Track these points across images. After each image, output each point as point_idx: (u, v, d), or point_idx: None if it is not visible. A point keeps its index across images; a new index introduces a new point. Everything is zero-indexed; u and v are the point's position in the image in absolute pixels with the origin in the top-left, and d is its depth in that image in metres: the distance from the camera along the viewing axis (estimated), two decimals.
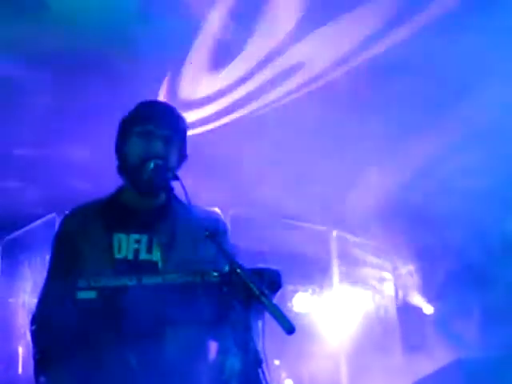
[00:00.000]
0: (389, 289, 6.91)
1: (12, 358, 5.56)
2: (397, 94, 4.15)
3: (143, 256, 2.03)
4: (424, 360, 5.28)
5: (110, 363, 1.82)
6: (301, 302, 6.59)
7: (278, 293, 1.85)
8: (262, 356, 1.74)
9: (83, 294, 1.80)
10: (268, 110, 4.43)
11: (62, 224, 2.16)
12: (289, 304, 6.45)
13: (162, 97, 4.08)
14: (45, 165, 5.16)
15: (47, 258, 2.16)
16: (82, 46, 3.71)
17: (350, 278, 6.64)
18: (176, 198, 2.09)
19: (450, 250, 5.61)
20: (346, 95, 4.28)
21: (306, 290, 6.67)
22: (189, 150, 2.20)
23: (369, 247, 6.67)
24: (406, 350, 6.30)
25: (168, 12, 3.50)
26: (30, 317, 2.06)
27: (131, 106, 2.19)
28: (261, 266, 1.83)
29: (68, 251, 2.06)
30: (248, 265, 1.75)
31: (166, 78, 4.04)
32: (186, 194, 1.93)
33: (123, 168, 2.14)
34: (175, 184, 2.03)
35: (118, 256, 2.01)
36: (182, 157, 2.18)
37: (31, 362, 1.99)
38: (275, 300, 1.72)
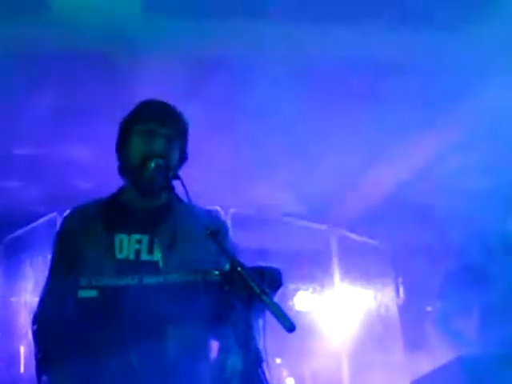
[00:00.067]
0: (390, 287, 6.91)
1: (14, 358, 5.57)
2: (397, 93, 4.14)
3: (144, 256, 2.03)
4: (425, 358, 5.28)
5: (112, 362, 1.83)
6: (302, 300, 6.60)
7: (279, 291, 1.85)
8: (262, 355, 1.74)
9: (84, 293, 1.81)
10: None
11: (63, 223, 2.17)
12: (290, 302, 6.46)
13: None
14: (46, 164, 5.16)
15: (49, 257, 2.17)
16: (83, 46, 3.71)
17: (351, 276, 6.64)
18: (177, 197, 2.09)
19: (450, 249, 5.61)
20: (347, 94, 4.28)
21: (307, 289, 6.67)
22: (189, 149, 2.21)
23: (369, 246, 6.67)
24: (407, 347, 6.30)
25: (169, 10, 3.51)
26: (31, 316, 2.06)
27: (132, 105, 2.19)
28: (261, 264, 1.83)
29: (69, 250, 2.06)
30: (249, 263, 1.76)
31: None
32: (186, 193, 1.93)
33: (124, 167, 2.15)
34: (176, 183, 2.03)
35: (119, 256, 2.02)
36: (183, 156, 2.18)
37: (33, 362, 2.00)
38: (276, 298, 1.73)
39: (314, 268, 6.64)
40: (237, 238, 2.28)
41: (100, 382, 1.85)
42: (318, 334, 6.23)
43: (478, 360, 4.43)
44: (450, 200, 5.03)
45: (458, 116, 4.38)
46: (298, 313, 6.38)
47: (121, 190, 2.18)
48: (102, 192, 2.22)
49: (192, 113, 2.28)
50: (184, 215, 2.04)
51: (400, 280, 6.84)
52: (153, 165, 2.01)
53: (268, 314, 1.66)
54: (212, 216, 2.18)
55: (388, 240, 6.52)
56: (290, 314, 1.60)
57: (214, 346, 1.98)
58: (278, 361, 6.07)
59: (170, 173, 2.02)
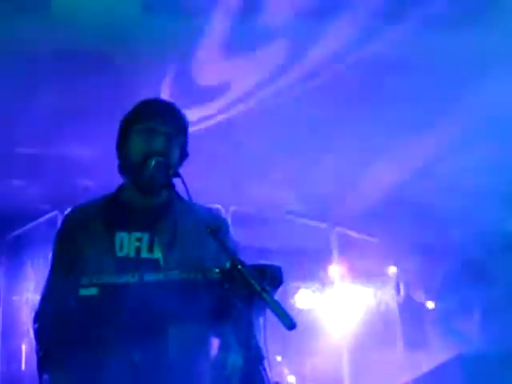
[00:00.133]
0: (390, 285, 6.92)
1: (15, 356, 5.59)
2: (397, 92, 4.14)
3: (145, 254, 2.03)
4: (425, 356, 5.30)
5: (113, 359, 1.83)
6: (303, 298, 6.61)
7: (280, 289, 1.86)
8: (263, 352, 1.75)
9: (85, 291, 1.82)
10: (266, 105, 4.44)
11: (63, 222, 2.17)
12: (291, 301, 6.47)
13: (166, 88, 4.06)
14: (47, 163, 5.16)
15: (50, 255, 2.17)
16: (83, 46, 3.71)
17: (352, 274, 6.65)
18: (177, 195, 2.09)
19: (450, 248, 5.62)
20: (347, 93, 4.28)
21: (308, 287, 6.69)
22: (190, 147, 2.22)
23: (370, 244, 6.68)
24: (407, 345, 6.32)
25: (169, 10, 3.50)
26: (33, 314, 2.07)
27: (132, 104, 2.19)
28: (262, 262, 1.84)
29: (70, 249, 2.06)
30: (249, 262, 1.77)
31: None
32: (187, 191, 1.93)
33: (124, 166, 2.15)
34: (176, 181, 2.04)
35: (119, 254, 2.02)
36: (184, 154, 2.19)
37: (34, 360, 2.00)
38: (277, 296, 1.73)
39: (315, 266, 6.65)
40: (237, 236, 2.28)
41: (101, 379, 1.86)
42: (318, 332, 6.24)
43: (478, 358, 4.44)
44: (450, 198, 5.03)
45: (458, 114, 4.38)
46: (299, 311, 6.40)
47: (121, 189, 2.18)
48: (102, 191, 2.23)
49: (192, 112, 2.28)
50: (184, 213, 2.04)
51: (400, 278, 6.85)
52: (153, 163, 2.01)
53: (269, 312, 1.67)
54: (212, 214, 2.18)
55: (388, 238, 6.52)
56: (291, 312, 1.61)
57: (215, 343, 1.99)
58: (279, 359, 6.09)
59: (170, 171, 2.02)
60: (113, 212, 2.11)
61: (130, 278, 1.83)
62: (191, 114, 2.23)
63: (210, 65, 4.06)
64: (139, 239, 2.05)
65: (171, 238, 2.06)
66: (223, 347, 1.94)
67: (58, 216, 5.23)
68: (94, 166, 4.96)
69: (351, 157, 5.06)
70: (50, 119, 4.39)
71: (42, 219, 5.59)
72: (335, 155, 5.02)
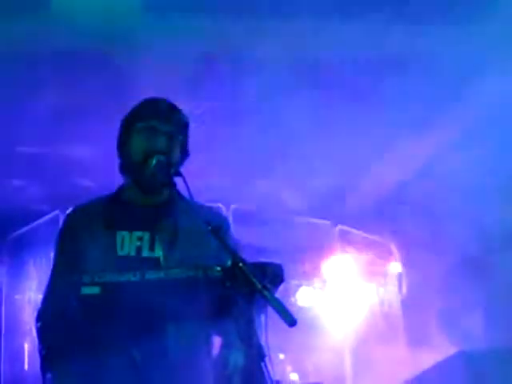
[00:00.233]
0: (392, 282, 6.92)
1: (18, 355, 5.60)
2: (397, 91, 4.14)
3: (145, 253, 2.04)
4: (428, 353, 5.29)
5: (114, 358, 1.84)
6: (305, 296, 6.61)
7: (281, 287, 1.86)
8: (265, 350, 1.75)
9: (87, 290, 1.82)
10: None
11: (65, 222, 2.18)
12: (292, 298, 6.47)
13: None
14: (48, 163, 5.17)
15: (52, 254, 2.18)
16: (83, 45, 3.71)
17: (354, 271, 6.65)
18: (178, 194, 2.10)
19: (451, 244, 5.62)
20: (348, 92, 4.29)
21: (310, 285, 6.69)
22: (191, 146, 2.22)
23: (371, 241, 6.68)
24: (409, 343, 6.31)
25: (168, 10, 3.51)
26: (35, 313, 2.08)
27: (132, 104, 2.20)
28: (263, 260, 1.84)
29: (71, 248, 2.07)
30: (250, 260, 1.77)
31: None
32: (188, 190, 1.94)
33: (126, 165, 2.15)
34: (178, 180, 2.04)
35: (120, 253, 2.03)
36: (185, 153, 2.19)
37: (37, 359, 2.01)
38: (278, 294, 1.74)
39: (317, 264, 6.65)
40: (239, 234, 2.29)
41: (103, 378, 1.86)
42: (321, 329, 6.24)
43: (480, 355, 4.44)
44: (450, 196, 5.04)
45: (458, 114, 4.38)
46: (301, 308, 6.40)
47: (122, 188, 2.19)
48: (104, 190, 2.23)
49: (193, 110, 2.29)
50: (185, 212, 2.05)
51: (402, 275, 6.85)
52: (154, 162, 2.02)
53: (270, 310, 1.67)
54: (213, 212, 2.19)
55: (390, 236, 6.53)
56: (292, 310, 1.61)
57: (217, 341, 1.99)
58: (282, 356, 6.09)
59: (171, 170, 2.03)
60: (114, 211, 2.12)
61: (132, 277, 1.83)
62: (190, 111, 2.23)
63: (210, 63, 4.06)
64: (140, 238, 2.06)
65: (172, 236, 2.07)
66: (225, 345, 1.95)
67: (59, 215, 5.24)
68: (95, 165, 4.97)
69: (352, 155, 5.07)
70: (50, 119, 4.39)
71: (43, 219, 5.60)
72: (336, 153, 5.02)
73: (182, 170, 2.11)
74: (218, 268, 1.81)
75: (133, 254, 2.03)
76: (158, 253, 2.04)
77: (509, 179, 4.75)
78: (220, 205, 4.47)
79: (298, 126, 4.58)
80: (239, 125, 4.65)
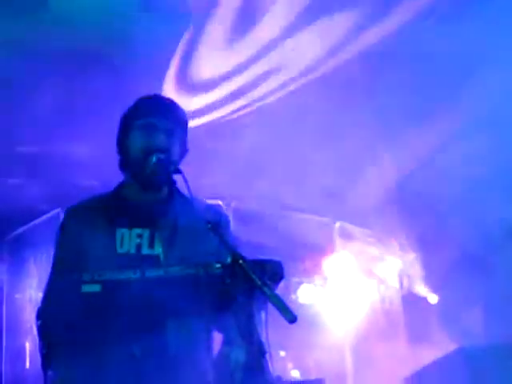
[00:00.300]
0: (393, 279, 6.92)
1: (19, 353, 5.60)
2: (397, 82, 4.14)
3: (145, 251, 2.04)
4: (428, 350, 5.30)
5: (115, 355, 1.84)
6: (306, 293, 6.61)
7: (281, 284, 1.86)
8: (265, 347, 1.75)
9: (87, 288, 1.82)
10: (267, 100, 4.44)
11: (64, 219, 2.17)
12: (294, 296, 6.48)
13: (169, 79, 4.05)
14: (48, 161, 5.17)
15: (52, 253, 2.18)
16: (82, 45, 3.71)
17: (354, 268, 6.66)
18: (178, 191, 2.10)
19: (451, 239, 5.62)
20: (347, 84, 4.28)
21: (311, 282, 6.69)
22: (190, 143, 2.22)
23: (372, 238, 6.68)
24: (410, 339, 6.32)
25: (168, 9, 3.51)
26: (36, 312, 2.08)
27: (132, 102, 2.20)
28: (262, 257, 1.84)
29: (71, 246, 2.07)
30: (250, 257, 1.77)
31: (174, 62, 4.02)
32: (188, 187, 1.94)
33: (125, 162, 2.15)
34: (177, 177, 2.04)
35: (120, 251, 2.03)
36: (184, 150, 2.19)
37: (38, 357, 2.01)
38: (278, 291, 1.74)
39: (317, 261, 6.65)
40: (239, 231, 2.29)
41: (104, 375, 1.86)
42: (322, 326, 6.25)
43: (480, 351, 4.44)
44: (450, 189, 5.03)
45: (459, 104, 4.37)
46: (302, 306, 6.40)
47: (121, 185, 2.19)
48: (103, 189, 2.23)
49: (193, 109, 2.29)
50: (185, 209, 2.05)
51: (403, 272, 6.85)
52: (154, 159, 2.02)
53: (270, 307, 1.67)
54: (213, 209, 2.18)
55: (390, 232, 6.53)
56: (293, 307, 1.61)
57: (218, 338, 2.00)
58: (283, 354, 6.10)
59: (171, 167, 2.03)
60: (113, 208, 2.12)
61: (132, 275, 1.84)
62: (190, 108, 2.23)
63: (209, 61, 4.06)
64: (140, 235, 2.06)
65: (172, 233, 2.07)
66: (226, 342, 1.95)
67: (59, 214, 5.24)
68: (94, 165, 4.97)
69: (352, 151, 5.06)
70: (50, 118, 4.40)
71: (44, 217, 5.60)
72: (336, 149, 5.02)
73: (182, 167, 2.10)
74: (218, 265, 1.81)
75: (133, 251, 2.03)
76: (158, 250, 2.04)
77: (510, 171, 4.75)
78: (220, 202, 4.47)
79: (297, 120, 4.57)
80: (239, 121, 4.65)
